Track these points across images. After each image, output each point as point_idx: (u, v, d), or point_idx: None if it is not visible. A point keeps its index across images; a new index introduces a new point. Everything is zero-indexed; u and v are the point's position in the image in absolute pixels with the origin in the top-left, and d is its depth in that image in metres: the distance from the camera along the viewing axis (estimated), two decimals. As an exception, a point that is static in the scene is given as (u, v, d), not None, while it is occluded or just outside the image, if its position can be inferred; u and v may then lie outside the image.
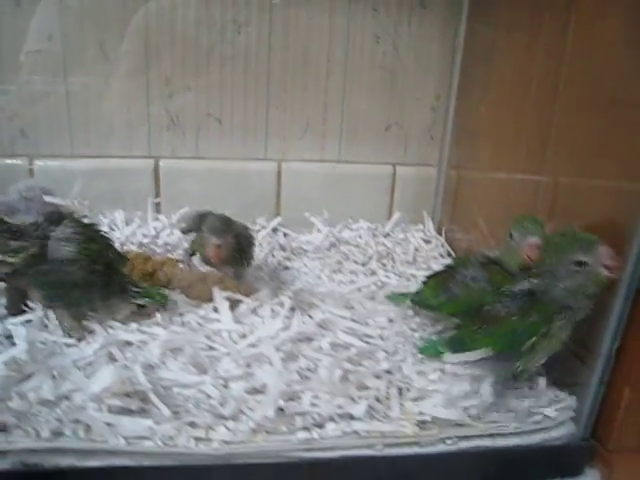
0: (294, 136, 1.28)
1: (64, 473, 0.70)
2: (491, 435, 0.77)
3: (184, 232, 1.05)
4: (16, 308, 0.89)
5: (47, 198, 1.15)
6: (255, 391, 0.75)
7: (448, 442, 0.75)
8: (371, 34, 1.24)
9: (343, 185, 1.30)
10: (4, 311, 0.89)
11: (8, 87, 1.19)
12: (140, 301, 0.88)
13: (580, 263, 0.75)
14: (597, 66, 0.84)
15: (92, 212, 1.20)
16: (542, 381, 0.83)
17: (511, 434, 0.78)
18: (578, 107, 0.87)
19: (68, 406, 0.70)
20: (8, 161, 1.22)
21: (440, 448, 0.75)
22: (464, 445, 0.76)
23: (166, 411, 0.70)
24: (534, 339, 0.76)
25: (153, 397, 0.71)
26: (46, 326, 0.85)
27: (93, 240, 0.88)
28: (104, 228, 1.16)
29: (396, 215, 1.30)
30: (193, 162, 1.26)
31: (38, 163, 1.23)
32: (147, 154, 1.25)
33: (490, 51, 1.14)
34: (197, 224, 0.97)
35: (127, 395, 0.72)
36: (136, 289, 0.90)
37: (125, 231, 1.16)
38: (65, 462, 0.69)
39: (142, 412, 0.71)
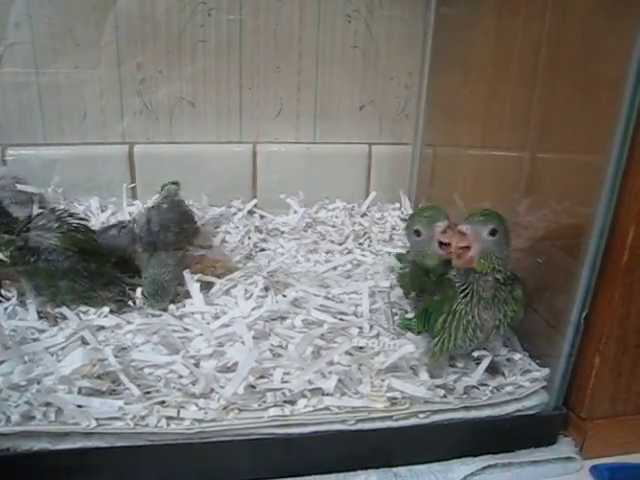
0: (268, 118, 1.28)
1: (36, 456, 0.70)
2: (465, 408, 0.77)
3: None
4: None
5: (20, 186, 1.14)
6: (226, 369, 0.76)
7: (421, 416, 0.76)
8: (342, 13, 1.24)
9: (319, 166, 1.30)
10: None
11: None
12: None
13: (417, 232, 0.79)
14: (569, 41, 0.83)
15: (67, 200, 1.19)
16: (513, 352, 0.84)
17: (484, 406, 0.78)
18: (551, 83, 0.87)
19: (38, 389, 0.70)
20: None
21: (413, 421, 0.76)
22: (437, 418, 0.77)
23: (136, 391, 0.70)
24: (442, 317, 0.76)
25: (123, 377, 0.71)
26: (17, 314, 0.85)
27: (76, 230, 0.89)
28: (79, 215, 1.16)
29: (372, 194, 1.31)
30: (167, 147, 1.26)
31: (11, 152, 1.22)
32: (121, 140, 1.25)
33: (461, 28, 1.14)
34: None
35: (98, 377, 0.72)
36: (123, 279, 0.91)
37: (100, 217, 1.15)
38: (38, 446, 0.69)
39: (113, 393, 0.72)
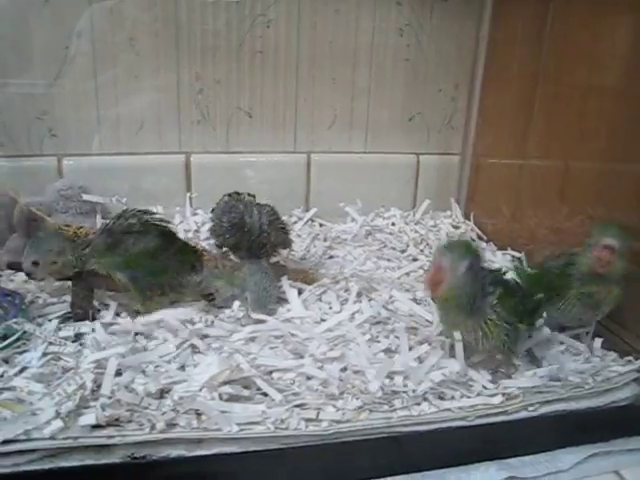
0: (322, 128, 1.30)
1: (173, 463, 0.70)
2: (567, 398, 0.81)
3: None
4: (82, 312, 0.89)
5: (86, 196, 1.14)
6: (352, 371, 0.77)
7: (530, 408, 0.79)
8: (395, 27, 1.27)
9: (369, 175, 1.34)
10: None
11: (36, 86, 1.16)
12: (218, 283, 0.91)
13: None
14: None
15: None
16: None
17: (583, 396, 0.82)
18: (606, 95, 0.93)
19: (181, 396, 0.70)
20: (36, 161, 1.20)
21: (523, 414, 0.79)
22: (544, 410, 0.80)
23: (277, 395, 0.71)
24: None
25: (261, 382, 0.72)
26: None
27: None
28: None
29: (425, 202, 1.34)
30: (223, 156, 1.27)
31: (66, 162, 1.21)
32: (178, 150, 1.25)
33: (517, 41, 1.18)
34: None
35: (230, 383, 0.73)
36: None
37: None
38: (175, 453, 0.70)
39: (251, 398, 0.73)
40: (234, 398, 0.72)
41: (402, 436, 0.75)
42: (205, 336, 0.86)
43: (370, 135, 1.33)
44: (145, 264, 0.87)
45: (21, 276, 1.02)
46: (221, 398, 0.71)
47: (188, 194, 1.24)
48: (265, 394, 0.74)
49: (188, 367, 0.78)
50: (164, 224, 0.92)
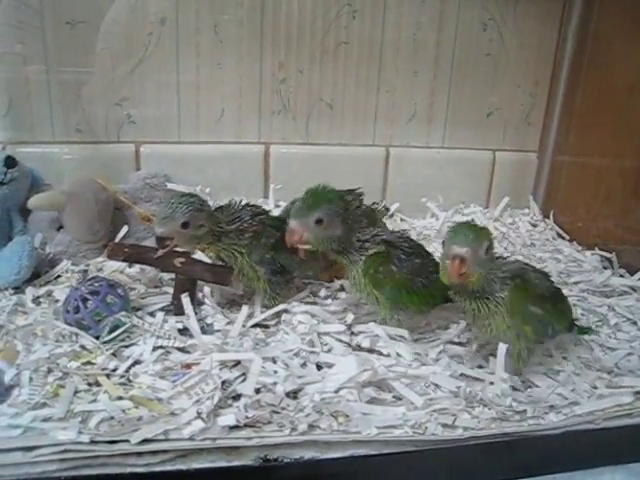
0: (402, 121, 1.28)
1: (306, 466, 0.69)
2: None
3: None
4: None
5: (170, 185, 1.12)
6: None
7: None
8: (479, 21, 1.25)
9: (445, 170, 1.32)
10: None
11: (117, 72, 1.14)
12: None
13: None
14: None
15: (213, 200, 1.17)
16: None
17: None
18: None
19: (322, 398, 0.69)
20: (114, 148, 1.18)
21: None
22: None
23: (417, 399, 0.70)
24: None
25: (399, 386, 0.71)
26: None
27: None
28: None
29: (505, 199, 1.33)
30: (303, 147, 1.25)
31: (144, 149, 1.18)
32: (257, 140, 1.23)
33: (606, 39, 1.17)
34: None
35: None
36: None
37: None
38: (308, 455, 0.68)
39: (388, 401, 0.71)
40: (374, 401, 0.71)
41: (530, 439, 0.74)
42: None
43: (448, 130, 1.31)
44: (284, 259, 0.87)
45: (110, 266, 1.00)
46: (361, 400, 0.70)
47: (272, 185, 1.21)
48: (399, 398, 0.72)
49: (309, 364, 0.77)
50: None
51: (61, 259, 0.99)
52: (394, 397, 0.73)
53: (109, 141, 1.17)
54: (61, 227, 1.02)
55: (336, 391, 0.71)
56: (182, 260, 0.86)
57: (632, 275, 1.08)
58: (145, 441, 0.64)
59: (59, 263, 0.98)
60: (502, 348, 0.75)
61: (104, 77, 1.14)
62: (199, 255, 0.93)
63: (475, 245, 0.69)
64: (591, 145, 1.22)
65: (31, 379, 0.71)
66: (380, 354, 0.80)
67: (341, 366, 0.73)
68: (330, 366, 0.75)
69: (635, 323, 0.95)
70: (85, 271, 0.99)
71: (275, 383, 0.71)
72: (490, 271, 0.72)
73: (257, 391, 0.70)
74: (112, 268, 1.00)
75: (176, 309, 0.87)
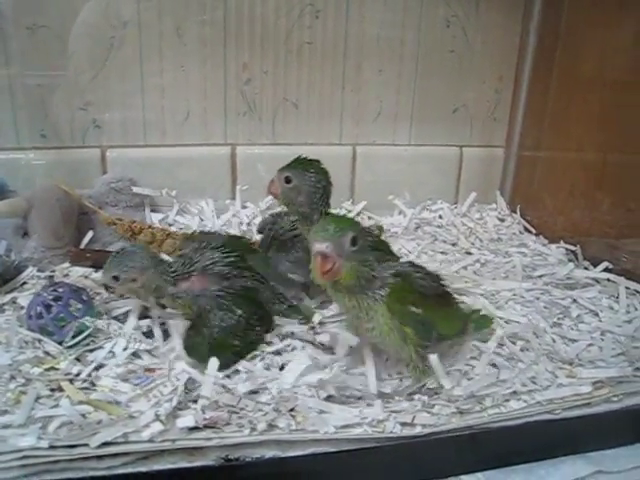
0: (368, 120, 1.29)
1: (267, 464, 0.70)
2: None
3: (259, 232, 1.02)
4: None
5: (136, 189, 1.12)
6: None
7: (614, 399, 0.78)
8: (442, 18, 1.26)
9: (412, 167, 1.33)
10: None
11: (81, 76, 1.13)
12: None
13: None
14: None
15: (179, 202, 1.18)
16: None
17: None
18: None
19: (281, 396, 0.70)
20: (79, 152, 1.17)
21: (604, 407, 0.78)
22: (628, 402, 0.79)
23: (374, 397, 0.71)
24: None
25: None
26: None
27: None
28: (194, 218, 1.15)
29: (472, 195, 1.34)
30: (269, 148, 1.25)
31: (110, 154, 1.18)
32: (224, 141, 1.23)
33: (568, 34, 1.18)
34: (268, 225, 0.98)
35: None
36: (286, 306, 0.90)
37: (217, 221, 1.14)
38: (270, 453, 0.69)
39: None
40: (331, 399, 0.71)
41: (492, 431, 0.75)
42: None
43: (414, 127, 1.32)
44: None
45: (76, 272, 1.00)
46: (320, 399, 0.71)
47: (238, 187, 1.22)
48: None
49: (273, 368, 0.78)
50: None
51: (26, 266, 0.98)
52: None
53: (75, 146, 1.17)
54: (26, 234, 1.01)
55: (293, 388, 0.71)
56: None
57: (595, 267, 1.09)
58: (105, 444, 0.64)
59: (24, 270, 0.98)
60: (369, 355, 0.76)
61: (68, 81, 1.13)
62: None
63: (337, 238, 0.65)
64: (555, 139, 1.23)
65: (-7, 386, 0.71)
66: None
67: (294, 365, 0.73)
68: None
69: (597, 314, 0.96)
70: (51, 277, 0.98)
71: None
72: (365, 263, 0.68)
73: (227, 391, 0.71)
74: (78, 273, 1.00)
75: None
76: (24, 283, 0.96)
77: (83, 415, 0.67)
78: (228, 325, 0.79)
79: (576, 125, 1.17)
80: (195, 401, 0.70)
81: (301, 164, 0.85)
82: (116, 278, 0.80)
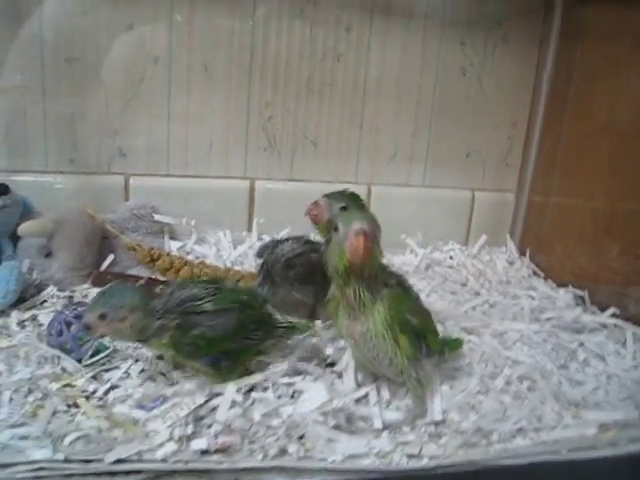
0: (383, 161, 1.33)
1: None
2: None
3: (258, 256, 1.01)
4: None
5: (157, 217, 1.15)
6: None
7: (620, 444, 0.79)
8: (459, 66, 1.31)
9: (425, 209, 1.36)
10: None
11: (111, 107, 1.18)
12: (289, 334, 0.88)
13: None
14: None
15: (197, 231, 1.21)
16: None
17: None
18: None
19: (293, 423, 0.71)
20: (104, 179, 1.21)
21: (608, 451, 0.79)
22: (632, 448, 0.80)
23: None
24: None
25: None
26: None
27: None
28: (211, 248, 1.17)
29: (483, 238, 1.37)
30: (287, 184, 1.29)
31: (133, 182, 1.22)
32: (243, 175, 1.27)
33: (581, 84, 1.22)
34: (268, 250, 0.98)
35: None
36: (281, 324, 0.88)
37: (234, 252, 1.17)
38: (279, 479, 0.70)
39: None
40: (340, 428, 0.73)
41: (497, 470, 0.75)
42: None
43: (429, 170, 1.36)
44: (228, 347, 0.78)
45: (95, 293, 1.03)
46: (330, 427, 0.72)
47: (255, 220, 1.25)
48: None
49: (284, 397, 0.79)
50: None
51: (47, 285, 1.01)
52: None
53: (100, 172, 1.21)
54: (49, 254, 1.04)
55: (305, 417, 0.72)
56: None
57: (603, 312, 1.11)
58: (119, 461, 0.66)
59: (45, 289, 1.01)
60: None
61: (98, 111, 1.18)
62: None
63: (372, 221, 0.70)
64: (566, 186, 1.26)
65: (11, 399, 0.73)
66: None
67: (312, 392, 0.75)
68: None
69: (603, 359, 0.98)
70: (71, 297, 1.01)
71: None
72: (380, 254, 0.73)
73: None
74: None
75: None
76: (44, 301, 0.99)
77: (99, 431, 0.69)
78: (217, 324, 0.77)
79: (586, 172, 1.20)
80: (210, 425, 0.71)
81: (354, 197, 0.91)
82: (103, 317, 0.72)
